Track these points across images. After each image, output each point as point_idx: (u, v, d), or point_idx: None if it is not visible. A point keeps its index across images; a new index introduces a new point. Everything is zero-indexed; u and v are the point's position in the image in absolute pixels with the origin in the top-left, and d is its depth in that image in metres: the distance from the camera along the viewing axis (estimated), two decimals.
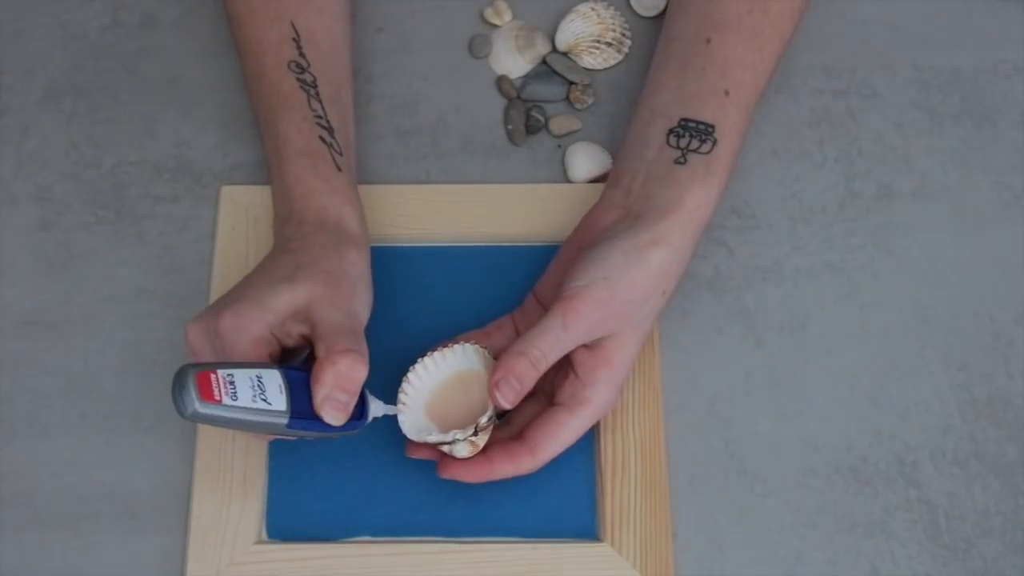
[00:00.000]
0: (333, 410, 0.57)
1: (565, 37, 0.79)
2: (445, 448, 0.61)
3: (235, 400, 0.54)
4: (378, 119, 0.77)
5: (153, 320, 0.71)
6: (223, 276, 0.70)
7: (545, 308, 0.62)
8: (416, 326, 0.70)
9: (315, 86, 0.67)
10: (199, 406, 0.53)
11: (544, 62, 0.78)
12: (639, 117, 0.69)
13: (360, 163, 0.75)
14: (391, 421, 0.62)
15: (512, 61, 0.78)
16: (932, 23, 0.80)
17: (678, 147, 0.66)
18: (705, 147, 0.65)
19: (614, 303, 0.61)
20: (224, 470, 0.66)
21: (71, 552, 0.65)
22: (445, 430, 0.62)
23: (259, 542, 0.65)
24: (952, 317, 0.71)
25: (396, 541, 0.65)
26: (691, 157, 0.65)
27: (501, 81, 0.78)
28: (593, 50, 0.78)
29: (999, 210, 0.74)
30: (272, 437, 0.63)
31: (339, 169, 0.65)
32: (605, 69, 0.78)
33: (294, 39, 0.68)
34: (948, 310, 0.72)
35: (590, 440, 0.67)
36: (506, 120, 0.77)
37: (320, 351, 0.57)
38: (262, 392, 0.55)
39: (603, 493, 0.66)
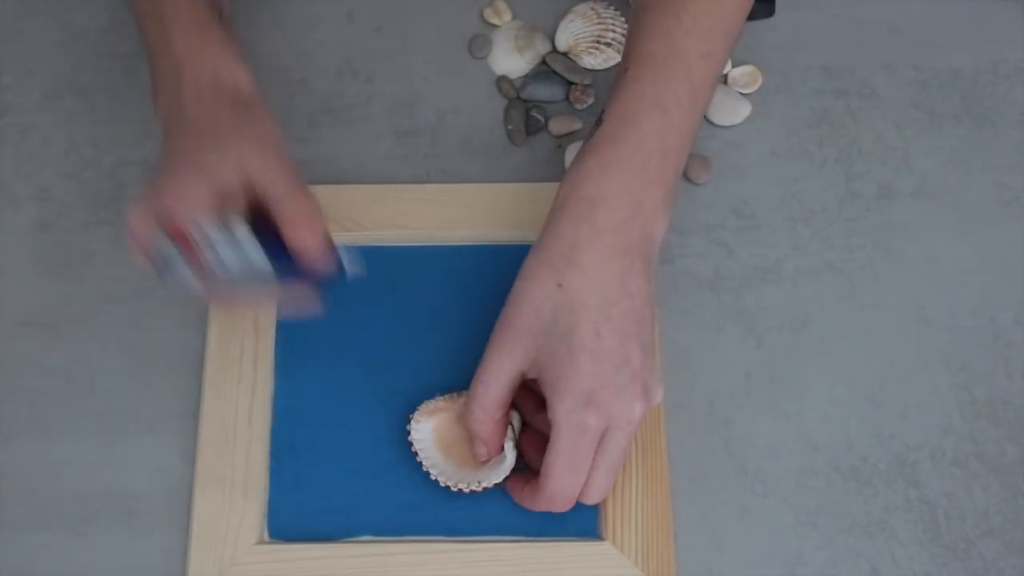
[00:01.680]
0: (309, 233, 0.56)
1: (565, 37, 0.79)
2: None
3: (220, 261, 0.55)
4: (378, 119, 0.77)
5: (153, 320, 0.71)
6: None
7: None
8: (416, 326, 0.70)
9: None
10: (181, 269, 0.54)
11: (544, 62, 0.79)
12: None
13: (360, 163, 0.75)
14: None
15: (512, 61, 0.78)
16: (932, 23, 0.80)
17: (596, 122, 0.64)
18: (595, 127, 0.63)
19: (512, 326, 0.60)
20: (225, 470, 0.66)
21: (71, 552, 0.65)
22: (479, 466, 0.64)
23: (260, 542, 0.65)
24: (952, 317, 0.71)
25: (397, 541, 0.65)
26: (589, 140, 0.63)
27: (501, 81, 0.78)
28: (593, 50, 0.78)
29: (999, 210, 0.74)
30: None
31: (216, 18, 0.63)
32: (605, 69, 0.78)
33: None
34: (948, 310, 0.72)
35: None
36: (506, 120, 0.77)
37: (272, 204, 0.57)
38: (239, 249, 0.56)
39: None
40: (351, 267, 0.60)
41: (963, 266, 0.73)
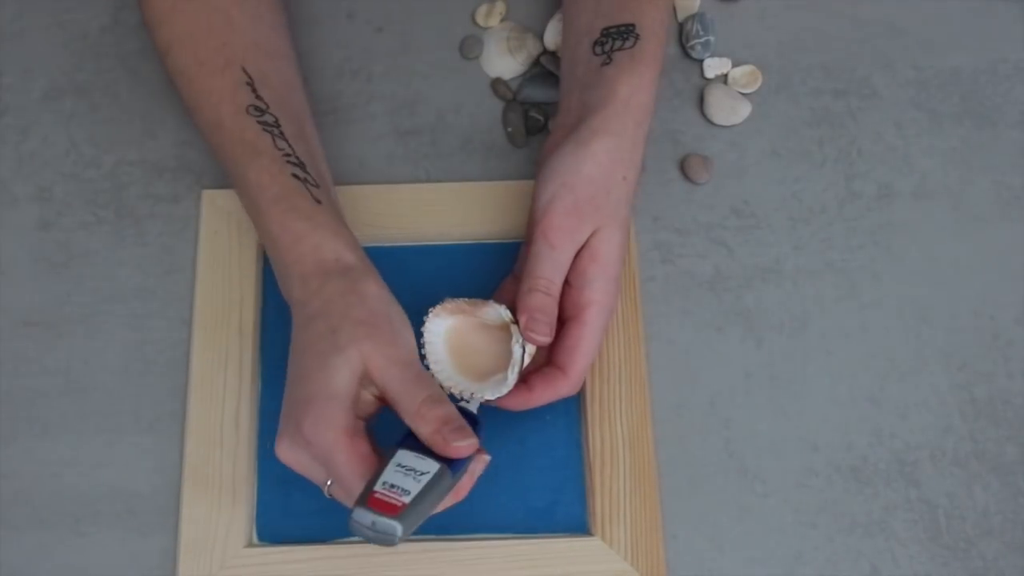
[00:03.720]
0: (450, 439, 0.56)
1: (553, 36, 0.79)
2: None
3: (407, 496, 0.54)
4: (378, 119, 0.77)
5: (153, 320, 0.71)
6: (207, 281, 0.70)
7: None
8: (415, 326, 0.70)
9: (278, 125, 0.65)
10: (400, 529, 0.53)
11: (538, 63, 0.78)
12: (566, 46, 0.71)
13: (360, 163, 0.75)
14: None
15: (504, 63, 0.78)
16: (932, 23, 0.80)
17: (603, 53, 0.67)
18: (628, 43, 0.67)
19: (581, 203, 0.63)
20: (212, 474, 0.66)
21: (71, 552, 0.65)
22: (480, 379, 0.63)
23: (249, 545, 0.65)
24: (952, 317, 0.71)
25: None
26: (616, 55, 0.67)
27: (496, 83, 0.78)
28: None
29: (999, 210, 0.74)
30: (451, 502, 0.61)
31: (318, 202, 0.63)
32: None
33: (248, 83, 0.65)
34: (948, 310, 0.72)
35: (579, 434, 0.68)
36: (505, 123, 0.76)
37: (404, 416, 0.57)
38: (414, 472, 0.56)
39: (592, 487, 0.66)
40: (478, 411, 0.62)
41: (963, 266, 0.73)
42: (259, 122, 0.64)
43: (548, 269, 0.62)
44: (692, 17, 0.80)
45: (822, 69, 0.79)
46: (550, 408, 0.68)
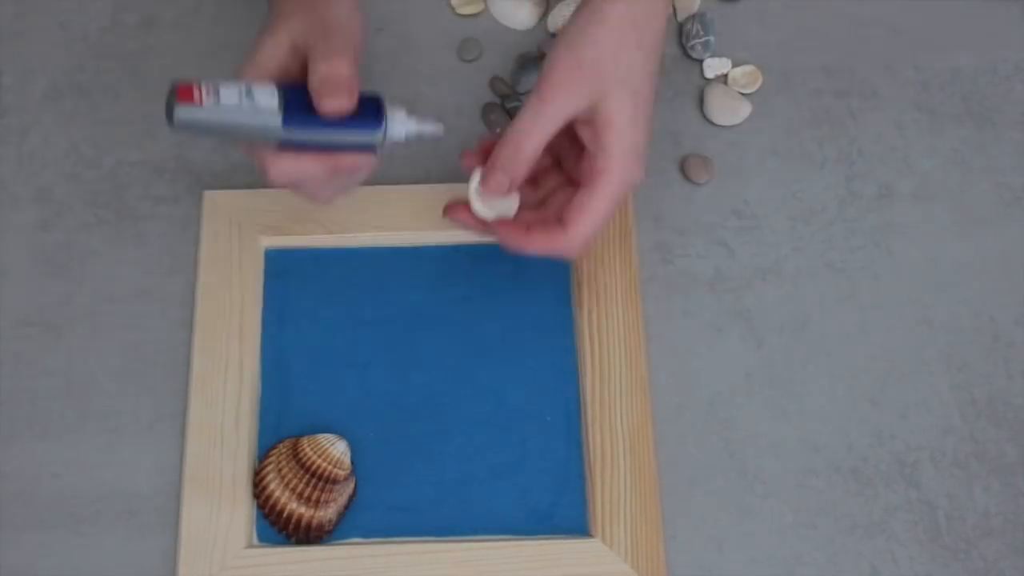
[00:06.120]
0: (331, 95, 0.57)
1: (556, 19, 0.79)
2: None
3: (218, 102, 0.54)
4: None
5: (153, 320, 0.71)
6: (207, 281, 0.70)
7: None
8: (411, 327, 0.70)
9: None
10: (181, 111, 0.53)
11: (539, 49, 0.79)
12: None
13: None
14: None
15: (519, 9, 0.79)
16: (932, 23, 0.80)
17: None
18: None
19: (583, 64, 0.61)
20: (212, 474, 0.66)
21: (71, 552, 0.65)
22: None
23: (249, 546, 0.65)
24: (952, 317, 0.71)
25: (386, 542, 0.65)
26: None
27: (494, 81, 0.78)
28: None
29: (999, 210, 0.74)
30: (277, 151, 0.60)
31: None
32: None
33: None
34: (948, 310, 0.72)
35: (579, 435, 0.67)
36: (491, 126, 0.76)
37: (310, 66, 0.58)
38: (250, 96, 0.55)
39: (592, 488, 0.66)
40: (403, 132, 0.60)
41: (963, 266, 0.73)
42: None
43: (528, 120, 0.61)
44: (692, 17, 0.80)
45: (822, 69, 0.79)
46: (550, 408, 0.68)
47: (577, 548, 0.64)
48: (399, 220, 0.72)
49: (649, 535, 0.65)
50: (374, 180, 0.74)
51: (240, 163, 0.75)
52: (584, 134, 0.62)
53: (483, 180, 0.62)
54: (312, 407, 0.68)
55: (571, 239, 0.62)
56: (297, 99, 0.57)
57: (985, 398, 0.69)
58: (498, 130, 0.74)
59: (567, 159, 0.66)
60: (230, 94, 0.55)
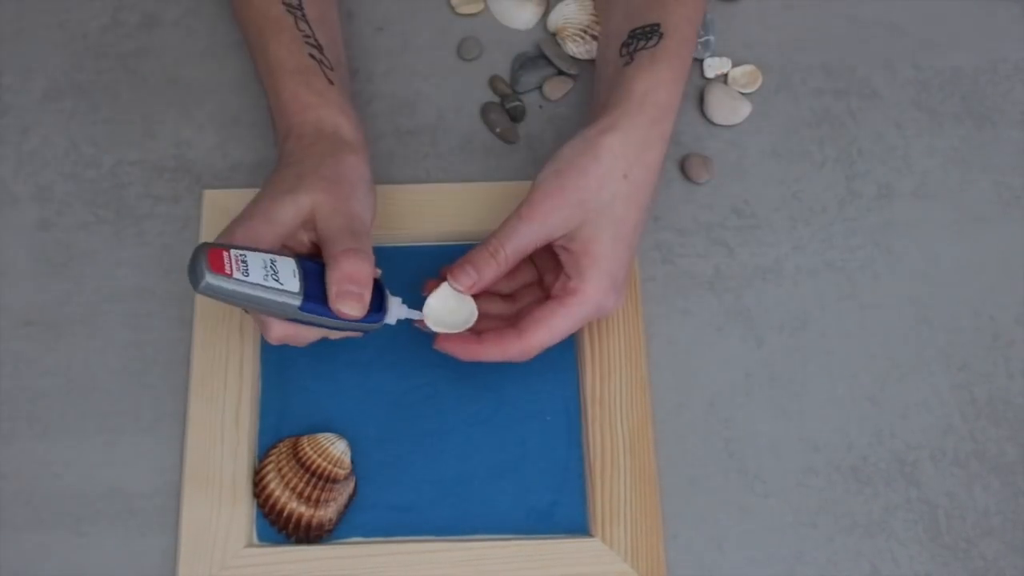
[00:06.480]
0: (347, 301, 0.58)
1: (556, 19, 0.79)
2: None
3: (246, 276, 0.55)
4: (378, 118, 0.77)
5: (153, 320, 0.71)
6: None
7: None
8: (411, 327, 0.70)
9: (301, 8, 0.69)
10: (210, 278, 0.54)
11: (538, 48, 0.79)
12: (599, 50, 0.72)
13: None
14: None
15: (525, 12, 0.79)
16: (932, 23, 0.80)
17: (628, 54, 0.68)
18: (651, 43, 0.67)
19: (567, 191, 0.62)
20: (212, 474, 0.66)
21: (71, 552, 0.65)
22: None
23: (249, 545, 0.65)
24: (952, 317, 0.71)
25: (386, 541, 0.65)
26: (637, 55, 0.67)
27: (494, 80, 0.78)
28: (577, 38, 0.78)
29: (999, 210, 0.74)
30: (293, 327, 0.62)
31: (331, 83, 0.67)
32: (586, 60, 0.78)
33: None
34: (948, 310, 0.72)
35: (579, 435, 0.67)
36: (491, 125, 0.76)
37: (325, 256, 0.59)
38: (275, 273, 0.57)
39: (593, 487, 0.66)
40: (397, 316, 0.62)
41: (963, 266, 0.73)
42: (284, 3, 0.69)
43: (505, 235, 0.62)
44: None
45: (822, 69, 0.79)
46: (550, 408, 0.68)
47: (577, 548, 0.64)
48: (399, 219, 0.72)
49: (649, 535, 0.65)
50: (374, 180, 0.74)
51: (240, 163, 0.75)
52: (562, 256, 0.63)
53: (451, 270, 0.62)
54: (312, 406, 0.68)
55: (525, 348, 0.62)
56: (314, 281, 0.58)
57: (985, 397, 0.69)
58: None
59: (547, 275, 0.66)
60: (256, 268, 0.56)
